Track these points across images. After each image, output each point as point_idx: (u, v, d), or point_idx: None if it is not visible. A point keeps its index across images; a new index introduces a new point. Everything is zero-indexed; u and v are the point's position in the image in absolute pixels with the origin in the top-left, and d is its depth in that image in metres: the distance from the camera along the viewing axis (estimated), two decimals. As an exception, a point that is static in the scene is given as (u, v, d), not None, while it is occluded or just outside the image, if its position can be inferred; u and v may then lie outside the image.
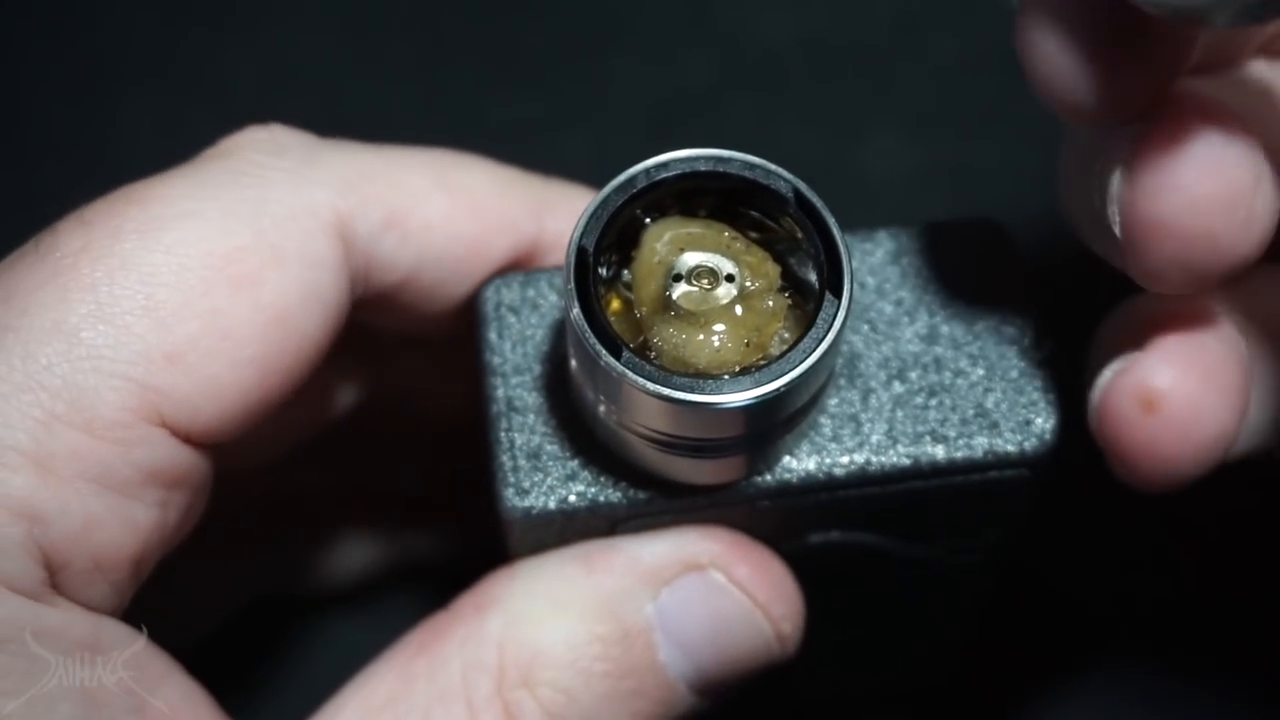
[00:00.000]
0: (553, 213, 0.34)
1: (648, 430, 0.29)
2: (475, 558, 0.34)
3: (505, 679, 0.30)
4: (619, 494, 0.31)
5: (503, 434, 0.31)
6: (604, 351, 0.27)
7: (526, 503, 0.30)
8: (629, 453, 0.30)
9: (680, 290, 0.28)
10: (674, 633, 0.31)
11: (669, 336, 0.28)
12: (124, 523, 0.28)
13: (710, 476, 0.30)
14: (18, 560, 0.27)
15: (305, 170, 0.30)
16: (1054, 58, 0.25)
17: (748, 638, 0.32)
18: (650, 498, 0.31)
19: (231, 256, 0.29)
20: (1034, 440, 0.31)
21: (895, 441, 0.31)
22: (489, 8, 0.59)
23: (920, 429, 0.31)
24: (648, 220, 0.29)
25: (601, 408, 0.29)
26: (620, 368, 0.27)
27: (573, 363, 0.30)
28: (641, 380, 0.27)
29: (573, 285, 0.28)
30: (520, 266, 0.34)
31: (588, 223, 0.28)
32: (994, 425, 0.31)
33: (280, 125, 0.31)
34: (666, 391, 0.27)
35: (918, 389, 0.32)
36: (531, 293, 0.32)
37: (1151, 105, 0.26)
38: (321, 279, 0.30)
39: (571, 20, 0.59)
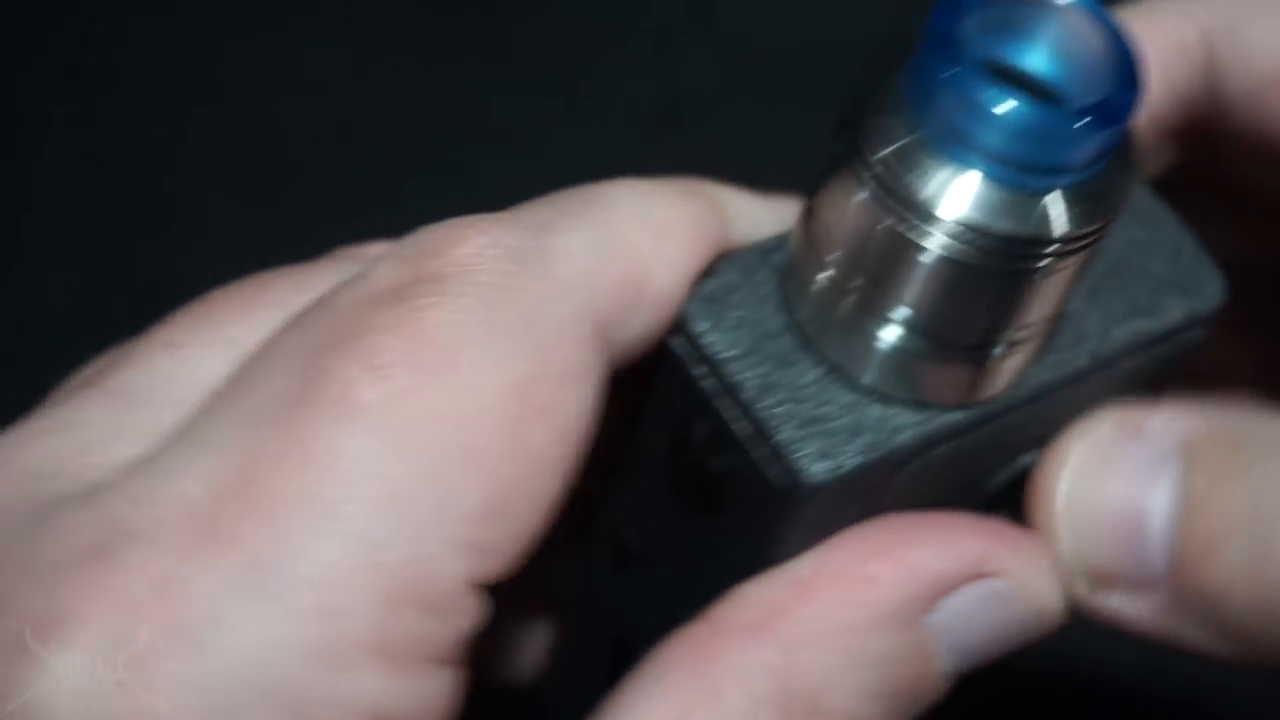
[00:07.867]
0: (726, 212, 0.32)
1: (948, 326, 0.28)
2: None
3: (791, 713, 0.28)
4: (909, 433, 0.29)
5: (767, 413, 0.29)
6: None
7: (827, 465, 0.29)
8: (904, 382, 0.29)
9: None
10: (954, 640, 0.30)
11: None
12: (451, 695, 0.26)
13: (982, 386, 0.30)
14: None
15: (553, 270, 0.28)
16: None
17: (1026, 630, 0.31)
18: (937, 429, 0.29)
19: (528, 385, 0.26)
20: (1210, 299, 0.31)
21: (1110, 325, 0.31)
22: (489, 7, 0.59)
23: (1121, 307, 0.31)
24: None
25: (883, 329, 0.29)
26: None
27: (842, 280, 0.29)
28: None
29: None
30: None
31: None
32: (1181, 289, 0.31)
33: (482, 221, 0.29)
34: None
35: (1101, 271, 0.31)
36: (719, 281, 0.31)
37: None
38: (594, 387, 0.28)
39: (571, 19, 0.59)
